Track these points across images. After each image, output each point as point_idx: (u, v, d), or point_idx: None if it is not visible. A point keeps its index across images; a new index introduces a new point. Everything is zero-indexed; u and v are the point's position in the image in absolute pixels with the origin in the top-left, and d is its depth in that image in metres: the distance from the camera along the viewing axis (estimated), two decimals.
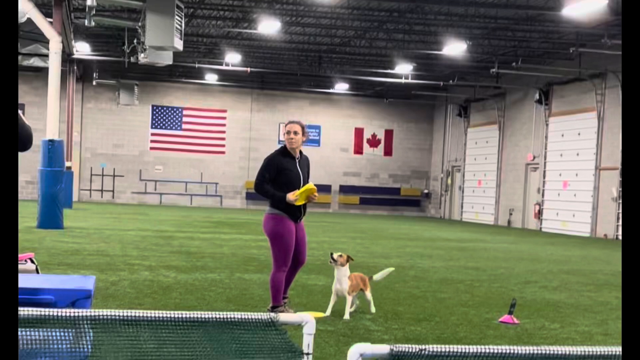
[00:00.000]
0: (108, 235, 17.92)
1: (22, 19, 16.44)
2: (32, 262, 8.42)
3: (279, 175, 8.06)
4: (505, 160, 35.59)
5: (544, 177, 32.14)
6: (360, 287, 8.55)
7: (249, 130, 40.81)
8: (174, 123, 39.82)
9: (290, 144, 8.22)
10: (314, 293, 10.00)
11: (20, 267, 7.97)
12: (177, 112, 39.82)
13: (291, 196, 7.96)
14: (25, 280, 5.24)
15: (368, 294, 8.68)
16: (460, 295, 10.55)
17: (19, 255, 8.67)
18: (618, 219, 27.39)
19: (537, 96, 32.20)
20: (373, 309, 8.64)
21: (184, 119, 39.91)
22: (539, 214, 32.27)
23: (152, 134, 39.58)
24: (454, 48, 27.66)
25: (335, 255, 8.40)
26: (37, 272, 8.10)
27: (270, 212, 8.12)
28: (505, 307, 9.14)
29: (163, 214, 29.41)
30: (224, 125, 40.50)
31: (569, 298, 10.77)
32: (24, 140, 4.47)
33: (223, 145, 40.47)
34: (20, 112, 3.99)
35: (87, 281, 5.25)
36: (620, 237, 27.04)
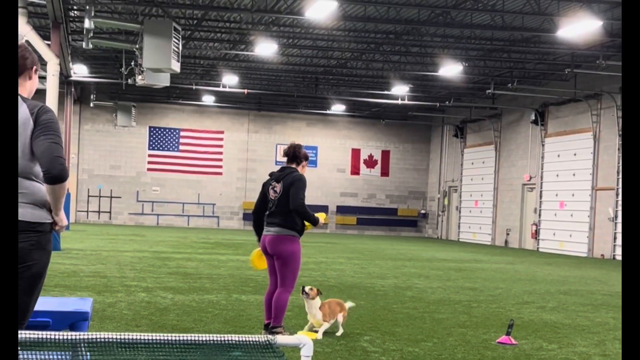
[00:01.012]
0: (105, 256, 17.89)
1: (20, 41, 16.49)
2: None
3: None
4: (502, 181, 35.65)
5: (541, 197, 32.18)
6: (337, 311, 8.61)
7: (246, 151, 40.87)
8: (171, 144, 39.88)
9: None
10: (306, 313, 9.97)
11: None
12: (175, 133, 39.89)
13: (322, 220, 8.08)
14: None
15: (340, 317, 8.66)
16: (458, 315, 10.54)
17: None
18: (615, 239, 27.40)
19: (533, 117, 32.32)
20: (339, 332, 8.53)
21: (181, 140, 39.97)
22: (536, 234, 32.28)
23: (150, 155, 39.62)
24: (450, 69, 27.81)
25: (307, 289, 8.41)
26: None
27: (288, 233, 8.01)
28: (503, 327, 9.13)
29: (160, 235, 29.37)
30: (221, 146, 40.56)
31: (566, 319, 10.76)
32: (54, 173, 3.90)
33: (220, 167, 40.51)
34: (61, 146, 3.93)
35: (84, 303, 5.25)
36: (617, 257, 27.05)
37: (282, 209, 8.01)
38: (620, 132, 27.30)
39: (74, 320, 4.89)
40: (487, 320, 10.18)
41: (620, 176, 27.21)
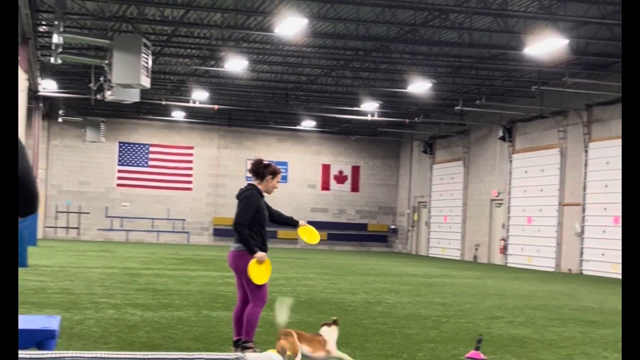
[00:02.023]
0: (73, 273, 17.73)
1: None
2: None
3: (257, 213, 8.05)
4: (470, 196, 35.93)
5: (509, 212, 32.48)
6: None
7: (216, 167, 40.79)
8: (141, 160, 39.67)
9: (274, 189, 8.27)
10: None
11: None
12: (144, 148, 39.70)
13: (258, 262, 7.89)
14: None
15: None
16: (428, 331, 10.61)
17: None
18: (582, 254, 27.73)
19: (500, 133, 32.67)
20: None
21: (151, 156, 39.78)
22: (504, 249, 32.55)
23: (119, 171, 39.38)
24: (419, 86, 28.05)
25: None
26: None
27: (243, 248, 7.97)
28: (472, 342, 9.21)
29: (129, 251, 29.16)
30: (191, 161, 40.44)
31: (534, 333, 10.87)
32: (33, 201, 3.77)
33: (190, 182, 40.37)
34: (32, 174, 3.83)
35: (52, 321, 5.23)
36: (584, 272, 27.36)
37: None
38: (586, 149, 27.69)
39: (41, 339, 4.87)
40: (457, 335, 10.26)
41: (586, 192, 27.57)
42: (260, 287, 7.97)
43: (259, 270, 7.87)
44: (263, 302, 8.04)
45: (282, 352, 7.15)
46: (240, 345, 8.06)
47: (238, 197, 8.15)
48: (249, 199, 8.01)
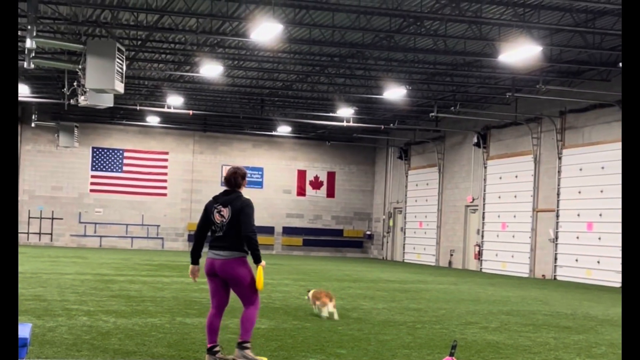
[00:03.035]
0: (45, 279, 17.54)
1: None
2: None
3: None
4: (446, 202, 36.08)
5: (483, 218, 32.66)
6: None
7: (191, 172, 40.61)
8: (115, 165, 39.40)
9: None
10: (256, 337, 9.93)
11: None
12: (118, 154, 39.43)
13: (260, 270, 8.07)
14: None
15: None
16: (403, 337, 10.61)
17: None
18: (555, 259, 27.93)
19: (475, 139, 32.85)
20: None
21: (125, 161, 39.52)
22: (479, 255, 32.71)
23: (92, 176, 39.07)
24: (394, 92, 28.14)
25: None
26: None
27: (239, 256, 7.99)
28: (447, 348, 9.23)
29: (103, 257, 28.92)
30: (165, 167, 40.24)
31: (508, 339, 10.91)
32: None
33: (165, 187, 40.15)
34: None
35: (23, 329, 5.15)
36: (558, 278, 27.56)
37: (231, 233, 7.99)
38: (560, 155, 27.93)
39: None
40: (431, 341, 10.27)
41: (560, 198, 27.81)
42: (253, 290, 8.06)
43: (260, 277, 8.05)
44: (259, 302, 8.18)
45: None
46: (239, 345, 8.07)
47: (232, 204, 8.05)
48: (251, 207, 8.07)
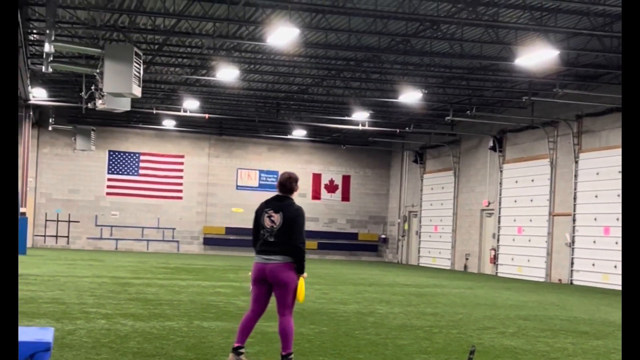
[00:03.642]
0: (63, 282, 17.65)
1: None
2: None
3: None
4: (461, 206, 36.00)
5: (499, 222, 32.56)
6: None
7: (206, 176, 40.73)
8: (131, 168, 39.58)
9: None
10: (273, 341, 9.95)
11: None
12: (134, 157, 39.61)
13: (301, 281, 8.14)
14: None
15: None
16: (420, 341, 10.60)
17: None
18: (572, 264, 27.80)
19: (491, 143, 32.77)
20: None
21: (141, 164, 39.70)
22: (494, 259, 32.61)
23: (109, 179, 39.26)
24: (410, 96, 28.12)
25: None
26: None
27: (290, 261, 7.98)
28: (465, 353, 9.22)
29: (119, 260, 29.05)
30: (181, 170, 40.37)
31: (526, 344, 10.88)
32: None
33: (180, 191, 40.28)
34: None
35: (46, 333, 5.20)
36: (575, 282, 27.43)
37: (282, 239, 7.96)
38: (576, 159, 27.82)
39: (35, 351, 4.84)
40: (449, 346, 10.26)
41: (576, 202, 27.68)
42: (293, 298, 8.09)
43: (302, 288, 8.12)
44: (292, 312, 8.24)
45: None
46: (283, 358, 8.05)
47: (285, 211, 8.04)
48: (304, 217, 8.09)
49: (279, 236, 7.97)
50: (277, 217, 8.01)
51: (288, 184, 8.20)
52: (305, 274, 8.10)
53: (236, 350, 8.12)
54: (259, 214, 8.16)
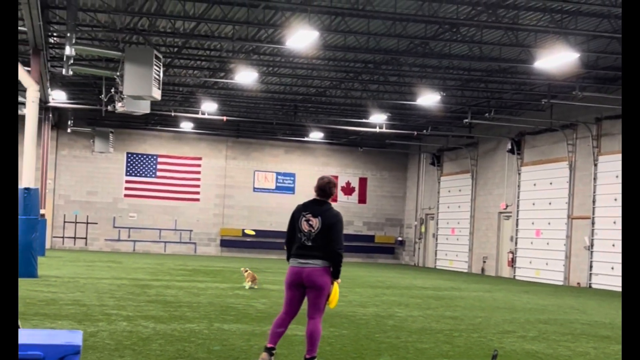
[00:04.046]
0: (83, 284, 17.74)
1: None
2: None
3: None
4: (479, 209, 35.89)
5: (517, 225, 32.43)
6: None
7: (223, 178, 40.83)
8: (149, 170, 39.75)
9: None
10: (294, 344, 9.97)
11: None
12: (152, 159, 39.78)
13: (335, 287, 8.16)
14: None
15: None
16: (441, 345, 10.58)
17: None
18: (591, 267, 27.65)
19: (509, 146, 32.66)
20: None
21: (159, 167, 39.86)
22: (512, 262, 32.48)
23: (127, 181, 39.45)
24: (428, 99, 28.09)
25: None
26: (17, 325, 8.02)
27: (327, 265, 8.01)
28: (486, 357, 9.20)
29: (137, 261, 29.17)
30: (198, 172, 40.49)
31: (547, 348, 10.84)
32: None
33: (198, 193, 40.40)
34: None
35: (75, 336, 5.24)
36: (593, 286, 27.27)
37: (319, 243, 7.96)
38: (596, 162, 27.67)
39: (65, 354, 4.87)
40: (470, 350, 10.23)
41: (596, 205, 27.53)
42: (325, 304, 8.14)
43: (336, 294, 8.16)
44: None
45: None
46: None
47: (324, 215, 8.03)
48: (342, 223, 8.10)
49: (317, 240, 7.96)
50: (315, 222, 8.01)
51: (327, 188, 8.19)
52: (339, 280, 8.11)
53: (269, 350, 8.17)
54: (296, 217, 8.15)
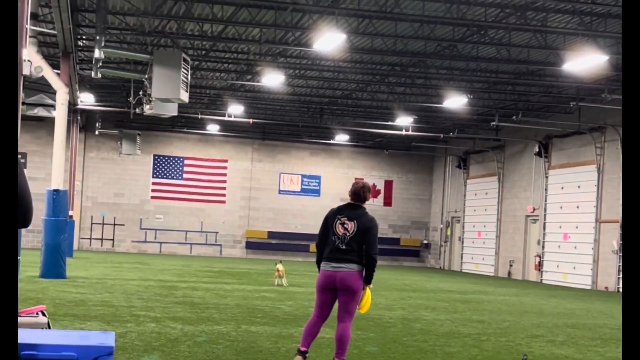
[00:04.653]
0: (111, 285, 17.88)
1: (38, 74, 16.68)
2: (44, 314, 8.44)
3: None
4: (505, 212, 35.67)
5: (544, 229, 32.19)
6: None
7: (249, 180, 40.96)
8: (175, 172, 39.97)
9: None
10: (321, 346, 9.97)
11: (32, 320, 7.98)
12: (179, 161, 40.01)
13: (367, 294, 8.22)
14: (44, 337, 5.27)
15: None
16: (469, 349, 10.52)
17: (30, 308, 8.68)
18: (619, 271, 27.37)
19: (536, 149, 32.44)
20: None
21: (185, 169, 40.08)
22: (539, 266, 32.24)
23: (153, 183, 39.70)
24: (455, 101, 27.97)
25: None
26: (49, 326, 8.12)
27: (361, 269, 8.07)
28: None
29: (164, 263, 29.34)
30: (224, 174, 40.66)
31: (577, 353, 10.74)
32: (25, 215, 3.79)
33: (224, 195, 40.56)
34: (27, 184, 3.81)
35: (108, 337, 5.28)
36: (620, 290, 26.98)
37: (354, 247, 7.99)
38: None
39: (98, 355, 4.91)
40: (499, 355, 10.17)
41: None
42: (356, 309, 8.19)
43: (368, 299, 8.23)
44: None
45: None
46: None
47: (359, 220, 8.07)
48: (377, 228, 8.16)
49: (351, 244, 7.98)
50: (350, 225, 8.02)
51: (362, 193, 8.21)
52: (371, 285, 8.15)
53: (303, 354, 8.21)
54: (331, 220, 8.15)
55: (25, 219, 3.78)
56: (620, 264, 27.32)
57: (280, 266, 20.46)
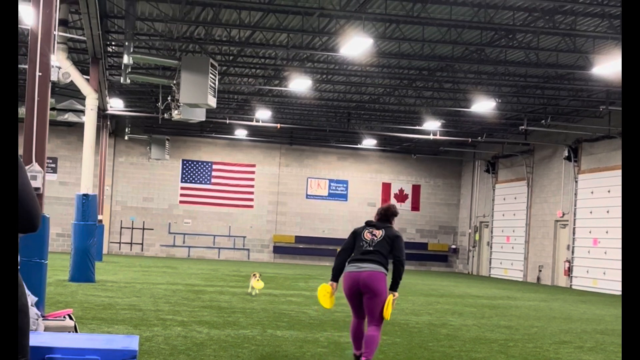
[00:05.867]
0: (139, 289, 18.01)
1: (66, 80, 16.90)
2: (71, 318, 8.53)
3: None
4: (534, 217, 35.39)
5: (574, 234, 31.87)
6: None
7: (277, 185, 41.05)
8: (204, 177, 40.20)
9: None
10: (343, 348, 9.96)
11: (59, 323, 8.08)
12: (207, 166, 40.23)
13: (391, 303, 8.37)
14: (70, 340, 5.33)
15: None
16: (496, 355, 10.45)
17: (58, 312, 8.80)
18: None
19: (566, 153, 32.16)
20: None
21: (214, 173, 40.28)
22: (568, 271, 31.93)
23: (182, 188, 39.95)
24: (483, 105, 27.82)
25: None
26: (76, 329, 8.21)
27: (384, 271, 8.37)
28: None
29: (192, 267, 29.50)
30: (252, 179, 40.79)
31: None
32: (27, 219, 3.63)
33: (251, 200, 40.70)
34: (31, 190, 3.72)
35: (132, 341, 5.33)
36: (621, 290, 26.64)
37: (381, 249, 8.35)
38: None
39: (122, 358, 4.96)
40: None
41: None
42: (381, 309, 8.33)
43: (390, 306, 8.37)
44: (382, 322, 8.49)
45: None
46: None
47: (387, 229, 8.51)
48: (403, 239, 8.50)
49: (377, 246, 8.34)
50: (378, 233, 8.45)
51: (389, 214, 8.68)
52: (396, 294, 8.34)
53: (358, 358, 8.51)
54: (359, 231, 8.58)
55: (28, 223, 3.62)
56: None
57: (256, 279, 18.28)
